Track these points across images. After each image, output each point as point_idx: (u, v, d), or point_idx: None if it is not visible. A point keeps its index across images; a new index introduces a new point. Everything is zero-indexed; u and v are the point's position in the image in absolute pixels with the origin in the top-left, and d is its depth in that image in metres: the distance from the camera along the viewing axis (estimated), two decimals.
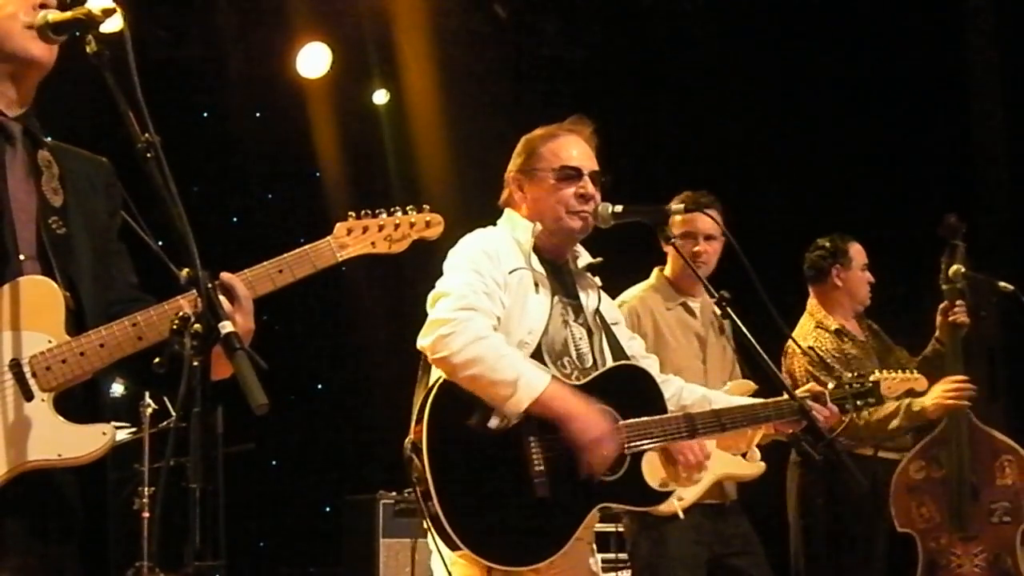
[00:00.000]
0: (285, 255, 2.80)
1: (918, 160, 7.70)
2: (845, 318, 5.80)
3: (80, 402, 2.64)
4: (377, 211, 3.00)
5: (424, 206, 3.08)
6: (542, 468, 3.47)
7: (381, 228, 2.98)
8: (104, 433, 2.60)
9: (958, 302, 5.59)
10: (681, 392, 3.93)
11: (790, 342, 5.59)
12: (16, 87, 2.71)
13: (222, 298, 2.45)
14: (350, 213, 2.96)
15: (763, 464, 4.97)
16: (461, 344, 3.43)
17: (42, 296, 2.59)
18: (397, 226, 3.01)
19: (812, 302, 5.86)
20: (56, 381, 2.57)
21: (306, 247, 2.84)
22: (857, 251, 5.82)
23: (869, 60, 7.89)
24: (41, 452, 2.54)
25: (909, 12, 7.71)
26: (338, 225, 2.93)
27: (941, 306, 5.65)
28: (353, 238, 2.92)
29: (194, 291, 2.40)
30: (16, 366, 2.55)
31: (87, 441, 2.59)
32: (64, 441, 2.56)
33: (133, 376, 2.85)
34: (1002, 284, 5.57)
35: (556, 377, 3.54)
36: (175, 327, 2.29)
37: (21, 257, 2.62)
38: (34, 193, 2.68)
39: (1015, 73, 7.62)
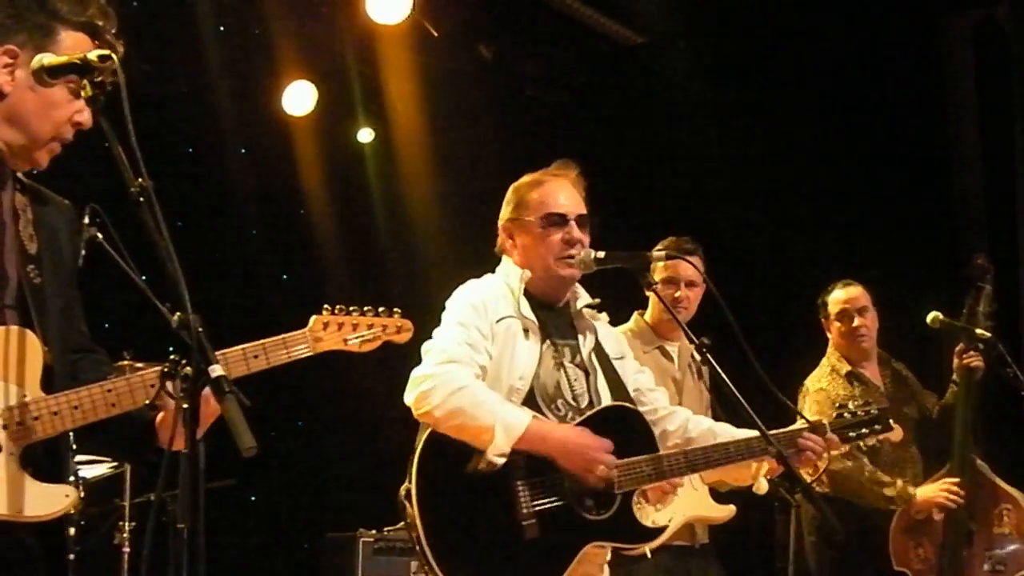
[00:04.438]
0: (263, 341, 2.88)
1: (901, 203, 7.78)
2: (859, 363, 5.75)
3: (43, 457, 2.62)
4: (352, 308, 3.09)
5: (395, 310, 3.19)
6: (530, 510, 3.53)
7: (355, 327, 3.07)
8: (67, 495, 2.60)
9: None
10: (687, 424, 3.96)
11: (806, 383, 5.62)
12: (42, 160, 2.76)
13: None
14: (325, 307, 3.05)
15: (733, 507, 4.99)
16: (441, 398, 3.52)
17: (23, 349, 2.57)
18: (370, 326, 3.10)
19: (830, 345, 5.85)
20: (26, 437, 2.55)
21: (283, 336, 2.93)
22: (834, 300, 5.78)
23: (854, 103, 7.98)
24: (3, 508, 2.51)
25: (893, 55, 7.84)
26: (314, 319, 3.02)
27: (957, 348, 5.63)
28: (328, 333, 3.02)
29: (166, 361, 2.43)
30: None
31: (49, 501, 2.58)
32: (27, 499, 2.53)
33: (107, 447, 2.84)
34: (979, 331, 5.58)
35: (536, 417, 3.58)
36: (165, 370, 2.31)
37: (8, 302, 2.63)
38: (15, 240, 2.69)
39: (995, 102, 7.80)
